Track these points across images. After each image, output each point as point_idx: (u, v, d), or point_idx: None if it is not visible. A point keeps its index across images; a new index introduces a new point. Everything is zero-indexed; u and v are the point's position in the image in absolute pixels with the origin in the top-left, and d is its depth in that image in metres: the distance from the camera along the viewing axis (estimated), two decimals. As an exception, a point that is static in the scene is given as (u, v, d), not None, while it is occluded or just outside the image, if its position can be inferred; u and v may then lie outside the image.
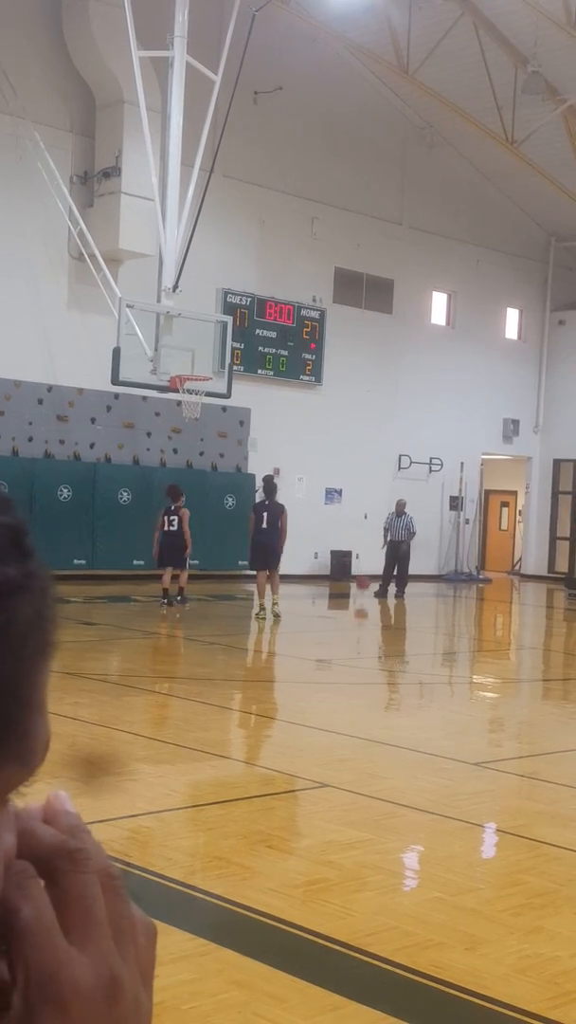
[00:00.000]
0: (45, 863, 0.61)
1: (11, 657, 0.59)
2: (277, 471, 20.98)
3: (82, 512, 19.97)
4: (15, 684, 0.59)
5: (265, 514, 15.93)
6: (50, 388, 19.77)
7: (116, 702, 9.09)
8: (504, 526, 31.78)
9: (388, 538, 21.02)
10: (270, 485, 16.26)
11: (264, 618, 15.45)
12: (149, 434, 21.23)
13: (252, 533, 16.15)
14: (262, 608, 15.69)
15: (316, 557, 23.90)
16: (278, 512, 15.89)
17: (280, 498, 16.74)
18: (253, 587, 17.05)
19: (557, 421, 28.69)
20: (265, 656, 13.49)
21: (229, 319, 19.34)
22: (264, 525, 15.87)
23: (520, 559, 30.06)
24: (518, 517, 30.78)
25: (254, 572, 16.73)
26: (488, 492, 29.93)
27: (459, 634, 17.79)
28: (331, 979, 3.83)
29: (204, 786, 6.57)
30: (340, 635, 16.30)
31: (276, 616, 15.52)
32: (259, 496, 17.34)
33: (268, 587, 15.84)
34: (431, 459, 26.23)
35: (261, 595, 15.93)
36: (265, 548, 15.84)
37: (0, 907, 0.59)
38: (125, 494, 20.66)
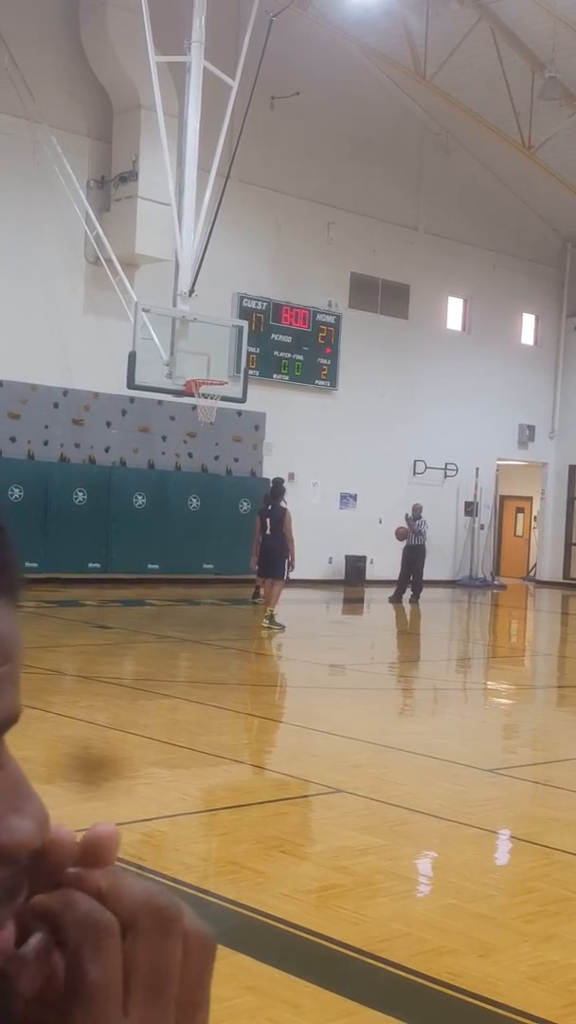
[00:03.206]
0: (129, 915, 0.55)
1: None
2: (292, 476, 20.98)
3: (97, 516, 20.00)
4: None
5: (268, 520, 15.49)
6: (66, 392, 19.82)
7: (130, 706, 9.10)
8: (519, 532, 31.72)
9: (405, 542, 21.03)
10: (276, 488, 15.79)
11: (265, 626, 15.08)
12: (164, 438, 21.27)
13: (258, 539, 15.85)
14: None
15: (330, 562, 23.89)
16: (279, 516, 15.38)
17: (294, 503, 16.52)
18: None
19: (573, 427, 28.63)
20: (279, 660, 13.48)
21: (245, 323, 19.35)
22: (268, 531, 15.45)
23: (535, 565, 29.99)
24: (533, 523, 30.71)
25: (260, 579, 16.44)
26: (503, 498, 29.88)
27: (474, 640, 17.75)
28: (345, 985, 3.82)
29: (218, 790, 6.57)
30: (354, 640, 16.27)
31: (271, 627, 14.83)
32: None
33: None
34: (446, 464, 26.20)
35: (266, 602, 15.76)
36: (267, 554, 15.50)
37: (67, 958, 0.54)
38: (140, 498, 20.69)
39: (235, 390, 18.04)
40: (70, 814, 5.44)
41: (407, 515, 21.33)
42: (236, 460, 22.38)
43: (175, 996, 0.55)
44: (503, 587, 27.12)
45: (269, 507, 15.69)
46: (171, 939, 0.55)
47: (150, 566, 20.76)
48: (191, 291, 17.29)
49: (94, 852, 0.57)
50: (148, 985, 0.54)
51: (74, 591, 18.44)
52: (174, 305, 17.41)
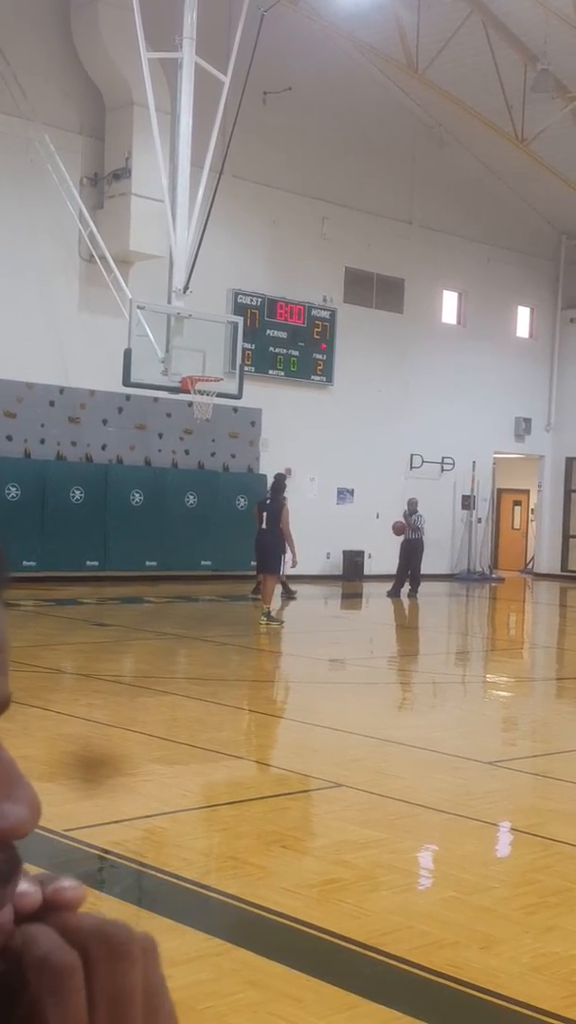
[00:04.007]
0: (80, 947, 0.55)
1: None
2: (289, 471, 20.97)
3: (94, 514, 20.00)
4: None
5: (265, 514, 15.41)
6: (62, 390, 19.81)
7: (130, 703, 9.11)
8: (516, 525, 31.73)
9: (403, 536, 21.03)
10: (277, 484, 15.72)
11: (263, 623, 15.04)
12: (161, 435, 21.26)
13: (257, 532, 15.80)
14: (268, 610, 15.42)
15: (328, 557, 23.89)
16: (277, 511, 15.23)
17: (291, 498, 16.49)
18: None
19: (569, 419, 28.63)
20: (278, 656, 13.49)
21: (240, 320, 19.36)
22: (263, 525, 15.41)
23: (533, 558, 30.01)
24: (530, 516, 30.73)
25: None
26: (500, 491, 29.89)
27: (472, 633, 17.77)
28: (346, 978, 3.83)
29: (218, 786, 6.58)
30: (353, 635, 16.29)
31: (269, 624, 14.76)
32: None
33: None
34: (443, 458, 26.20)
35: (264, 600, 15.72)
36: (261, 549, 15.49)
37: (28, 1002, 0.54)
38: (137, 495, 20.69)
39: (231, 386, 18.05)
40: (71, 812, 5.45)
41: (405, 511, 21.33)
42: (233, 456, 22.37)
43: (140, 1014, 0.55)
44: (501, 580, 27.13)
45: (267, 501, 15.66)
46: (126, 962, 0.55)
47: (148, 563, 20.76)
48: (186, 288, 17.29)
49: (55, 907, 0.57)
50: (111, 1012, 0.54)
51: (72, 589, 18.45)
52: (169, 302, 17.41)
